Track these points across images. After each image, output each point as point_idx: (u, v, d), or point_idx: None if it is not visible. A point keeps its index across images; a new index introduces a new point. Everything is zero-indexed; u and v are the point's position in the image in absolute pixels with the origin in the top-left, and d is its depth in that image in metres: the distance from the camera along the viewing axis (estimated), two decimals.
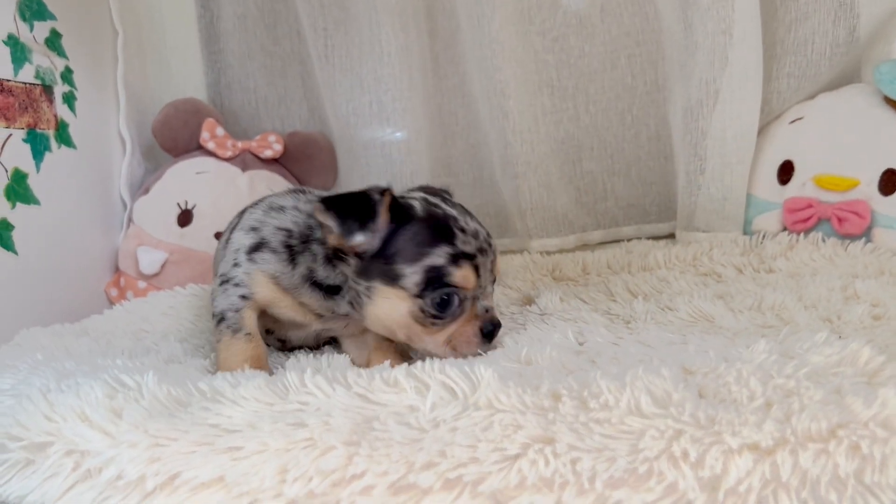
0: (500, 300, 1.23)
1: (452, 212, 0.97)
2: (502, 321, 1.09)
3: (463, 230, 0.95)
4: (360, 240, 0.92)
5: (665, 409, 0.66)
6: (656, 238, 1.63)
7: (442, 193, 1.09)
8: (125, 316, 1.30)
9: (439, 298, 0.92)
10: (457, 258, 0.92)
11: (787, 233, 1.42)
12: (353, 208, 0.93)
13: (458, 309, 0.95)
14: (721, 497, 0.60)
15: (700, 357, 0.78)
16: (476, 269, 0.94)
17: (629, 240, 1.60)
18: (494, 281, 1.01)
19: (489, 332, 0.96)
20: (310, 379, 0.77)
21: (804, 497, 0.60)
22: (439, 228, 0.94)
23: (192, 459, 0.69)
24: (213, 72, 1.76)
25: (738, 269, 1.32)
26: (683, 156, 1.50)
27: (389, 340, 1.05)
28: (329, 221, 0.93)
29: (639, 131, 1.66)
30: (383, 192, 0.94)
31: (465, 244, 0.94)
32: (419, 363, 0.78)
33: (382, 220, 0.93)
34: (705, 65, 1.43)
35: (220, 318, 1.01)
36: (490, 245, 0.98)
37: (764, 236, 1.43)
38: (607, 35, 1.64)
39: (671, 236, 1.65)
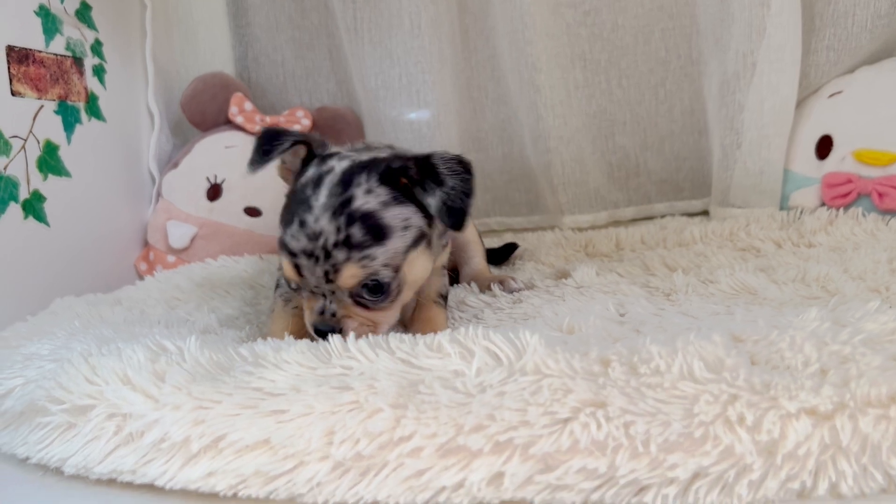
0: (535, 275, 1.21)
1: (317, 200, 0.84)
2: (538, 296, 1.08)
3: (302, 223, 0.84)
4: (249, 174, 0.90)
5: (718, 374, 0.65)
6: (689, 215, 1.61)
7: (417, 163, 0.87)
8: (158, 286, 1.30)
9: (279, 274, 0.93)
10: (283, 245, 0.87)
11: (825, 208, 1.40)
12: (265, 143, 0.90)
13: (290, 293, 0.96)
14: (779, 461, 0.59)
15: (749, 326, 0.76)
16: (297, 267, 0.85)
17: (662, 216, 1.58)
18: (353, 296, 0.86)
19: (318, 331, 0.88)
20: (353, 344, 0.76)
21: (864, 462, 0.59)
22: (288, 208, 0.88)
23: (236, 422, 0.68)
24: (240, 45, 1.75)
25: (777, 244, 1.30)
26: (719, 130, 1.48)
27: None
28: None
29: (672, 106, 1.64)
30: (300, 141, 0.91)
31: (293, 239, 0.85)
32: (462, 329, 0.77)
33: (277, 165, 0.92)
34: (742, 37, 1.41)
35: (276, 286, 1.02)
36: (327, 256, 0.83)
37: (802, 211, 1.40)
38: (640, 8, 1.61)
39: (704, 213, 1.63)
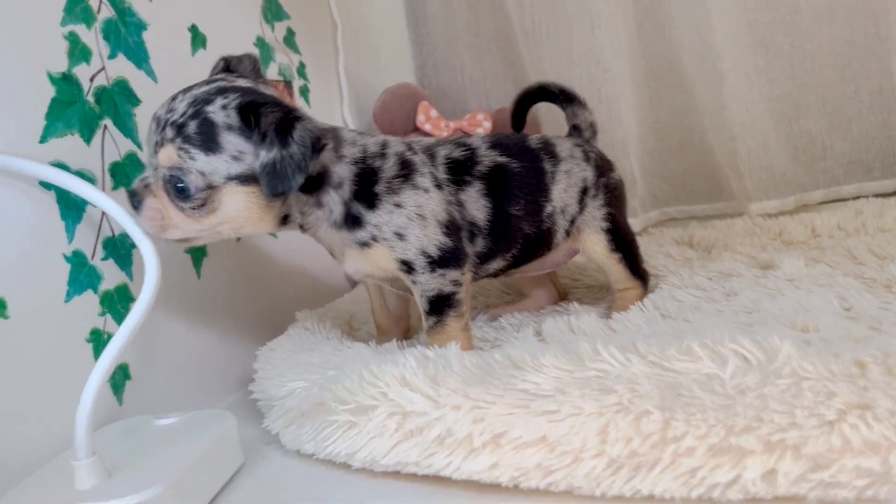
0: (737, 267, 1.23)
1: (194, 90, 0.93)
2: (751, 287, 1.11)
3: (173, 98, 0.93)
4: None
5: None
6: (881, 196, 1.57)
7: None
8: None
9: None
10: None
11: None
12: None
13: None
14: None
15: None
16: (149, 129, 0.93)
17: (855, 198, 1.56)
18: (165, 184, 0.92)
19: (129, 194, 0.93)
20: (603, 348, 0.83)
21: None
22: None
23: (513, 421, 0.77)
24: (420, 55, 1.86)
25: None
26: None
27: None
28: None
29: (859, 86, 1.60)
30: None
31: (161, 105, 0.94)
32: (708, 333, 0.82)
33: None
34: None
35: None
36: (162, 129, 0.90)
37: None
38: None
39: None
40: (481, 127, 1.73)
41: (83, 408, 0.79)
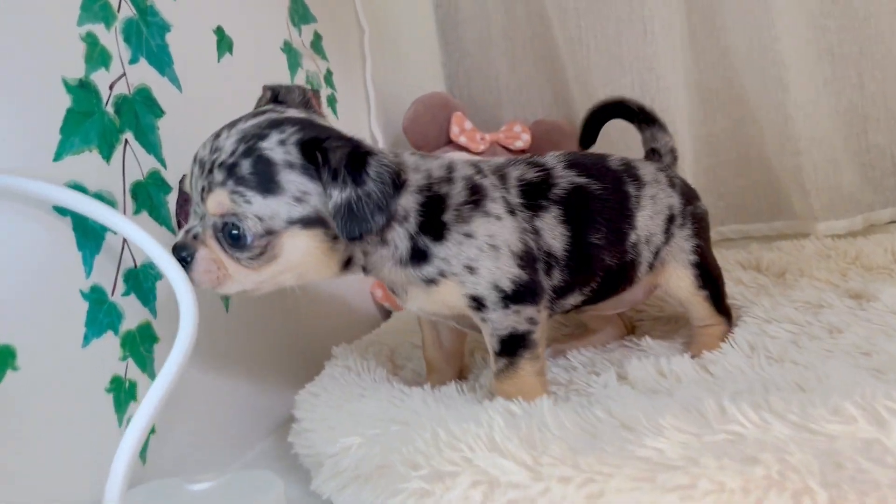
0: (825, 297, 1.11)
1: (241, 124, 0.82)
2: (858, 322, 0.99)
3: (217, 135, 0.82)
4: None
5: None
6: None
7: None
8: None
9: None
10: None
11: None
12: None
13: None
14: None
15: None
16: (191, 173, 0.83)
17: None
18: (215, 232, 0.81)
19: (175, 251, 0.82)
20: (731, 404, 0.70)
21: None
22: None
23: (638, 498, 0.64)
24: (451, 62, 1.73)
25: None
26: None
27: None
28: None
29: None
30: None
31: (202, 145, 0.83)
32: (858, 388, 0.69)
33: None
34: None
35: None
36: (210, 171, 0.79)
37: None
38: None
39: None
40: (520, 139, 1.61)
41: (113, 485, 0.65)
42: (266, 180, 0.78)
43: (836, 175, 1.47)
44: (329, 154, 0.78)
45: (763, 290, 1.22)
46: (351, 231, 0.78)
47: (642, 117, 1.17)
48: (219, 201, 0.79)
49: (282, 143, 0.80)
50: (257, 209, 0.78)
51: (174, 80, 1.02)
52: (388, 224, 0.84)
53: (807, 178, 1.47)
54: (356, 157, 0.78)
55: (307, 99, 0.91)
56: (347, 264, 0.88)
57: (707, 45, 1.54)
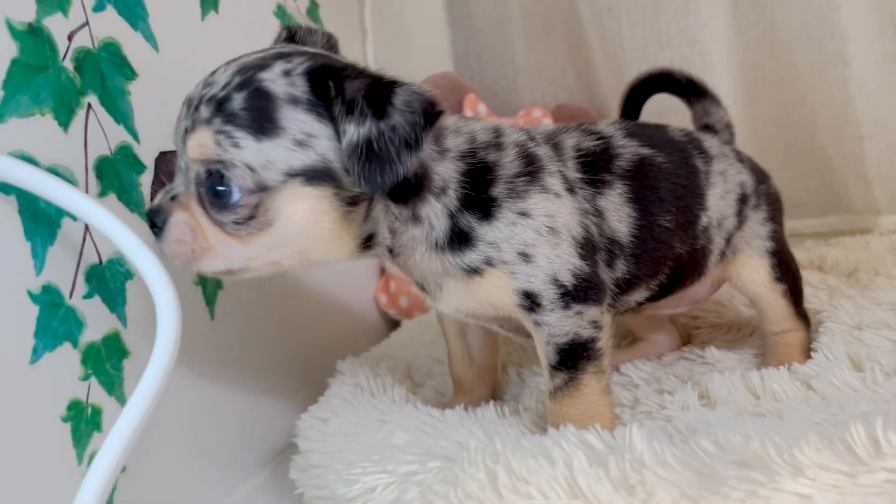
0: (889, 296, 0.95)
1: (245, 58, 0.66)
2: None
3: (214, 71, 0.66)
4: None
5: None
6: None
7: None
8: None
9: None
10: None
11: None
12: None
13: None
14: None
15: None
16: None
17: None
18: (197, 187, 0.65)
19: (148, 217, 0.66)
20: (882, 434, 0.53)
21: None
22: None
23: None
24: (461, 41, 1.56)
25: None
26: None
27: None
28: None
29: None
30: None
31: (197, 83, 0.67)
32: None
33: None
34: None
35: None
36: (196, 108, 0.63)
37: None
38: None
39: None
40: (541, 126, 1.43)
41: None
42: (262, 118, 0.61)
43: None
44: (345, 84, 0.61)
45: (836, 291, 1.06)
46: (371, 177, 0.60)
47: (692, 90, 1.02)
48: (200, 142, 0.62)
49: (286, 73, 0.63)
50: (248, 155, 0.61)
51: (149, 37, 0.84)
52: (409, 192, 0.68)
53: (870, 168, 1.30)
54: (378, 87, 0.61)
55: (332, 45, 0.74)
56: (368, 243, 0.69)
57: (751, 20, 1.38)
